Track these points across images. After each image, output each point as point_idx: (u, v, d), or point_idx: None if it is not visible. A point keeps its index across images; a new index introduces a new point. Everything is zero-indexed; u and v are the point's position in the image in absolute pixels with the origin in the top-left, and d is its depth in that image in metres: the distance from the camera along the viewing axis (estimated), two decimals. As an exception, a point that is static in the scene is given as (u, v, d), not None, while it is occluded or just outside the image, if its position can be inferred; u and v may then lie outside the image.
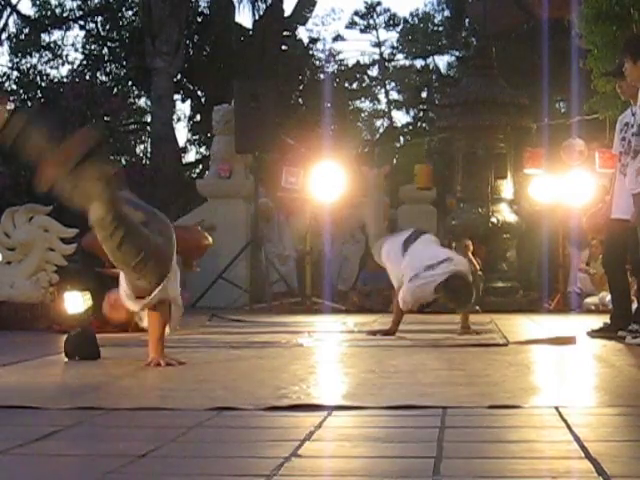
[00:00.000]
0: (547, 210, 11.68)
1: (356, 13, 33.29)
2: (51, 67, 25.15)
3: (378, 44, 33.19)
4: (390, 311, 11.56)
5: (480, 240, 12.57)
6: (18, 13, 22.60)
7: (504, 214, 13.34)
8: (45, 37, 26.01)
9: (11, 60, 24.55)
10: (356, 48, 39.71)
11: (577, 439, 2.89)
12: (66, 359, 5.60)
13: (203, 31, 21.89)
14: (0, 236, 8.80)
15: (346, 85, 26.99)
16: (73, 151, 4.59)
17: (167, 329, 5.31)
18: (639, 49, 6.31)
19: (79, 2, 24.66)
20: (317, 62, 25.26)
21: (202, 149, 23.35)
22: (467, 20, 25.77)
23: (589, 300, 11.10)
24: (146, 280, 4.94)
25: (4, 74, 20.30)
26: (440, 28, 31.23)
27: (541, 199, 11.89)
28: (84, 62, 24.22)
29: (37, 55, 25.92)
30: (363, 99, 31.36)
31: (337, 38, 31.43)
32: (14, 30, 24.76)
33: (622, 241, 6.86)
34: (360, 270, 12.97)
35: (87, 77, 20.79)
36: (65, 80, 18.56)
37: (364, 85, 30.46)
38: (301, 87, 22.24)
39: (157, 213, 5.31)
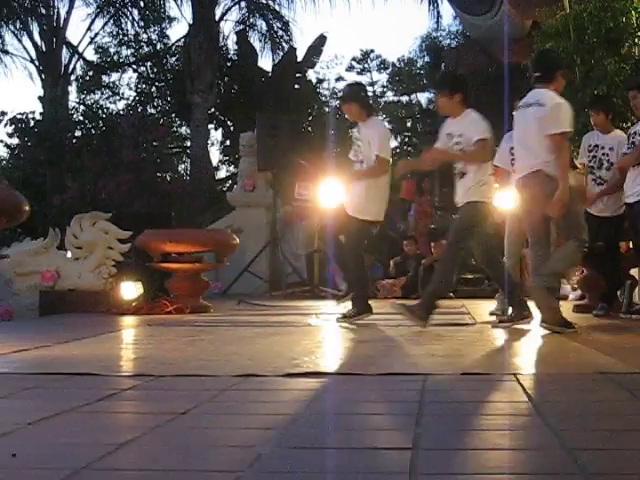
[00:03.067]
0: (509, 217, 11.61)
1: (354, 59, 33.34)
2: (110, 102, 25.23)
3: (372, 83, 33.19)
4: (379, 297, 11.59)
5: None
6: (84, 59, 22.62)
7: (473, 220, 13.33)
8: (105, 78, 26.08)
9: (79, 97, 24.63)
10: (354, 87, 39.71)
11: (531, 400, 2.90)
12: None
13: (232, 74, 21.89)
14: (70, 237, 8.82)
15: (346, 116, 26.98)
16: None
17: None
18: (455, 84, 6.23)
19: (132, 50, 24.70)
20: (323, 98, 25.23)
21: (231, 168, 23.36)
22: (443, 64, 25.71)
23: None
24: None
25: (73, 108, 20.31)
26: (421, 71, 31.20)
27: (504, 208, 11.84)
28: (136, 98, 24.26)
29: (99, 93, 25.98)
30: (360, 128, 31.32)
31: (339, 79, 31.43)
32: (81, 72, 24.85)
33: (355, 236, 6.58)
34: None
35: (139, 110, 20.82)
36: (121, 112, 18.58)
37: (361, 116, 30.39)
38: (310, 118, 22.20)
39: None
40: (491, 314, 6.93)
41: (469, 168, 5.95)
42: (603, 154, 6.99)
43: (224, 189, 20.36)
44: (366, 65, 33.45)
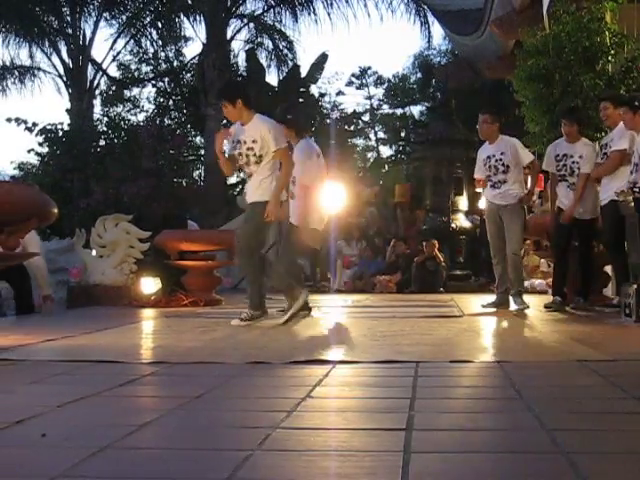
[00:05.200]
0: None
1: (353, 75, 33.29)
2: (131, 114, 25.20)
3: (369, 97, 33.17)
4: (375, 292, 11.59)
5: (443, 240, 12.58)
6: (107, 75, 22.62)
7: (461, 221, 13.35)
8: (127, 92, 26.09)
9: (102, 109, 24.64)
10: (353, 100, 39.81)
11: (513, 385, 2.89)
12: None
13: (242, 88, 21.90)
14: (94, 237, 8.83)
15: (345, 127, 26.93)
16: None
17: None
18: (232, 92, 6.17)
19: (151, 67, 24.73)
20: (324, 111, 25.24)
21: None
22: (434, 80, 25.72)
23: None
24: None
25: (97, 119, 20.30)
26: (414, 86, 31.19)
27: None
28: (155, 111, 24.26)
29: (121, 106, 25.98)
30: (358, 137, 31.26)
31: (339, 93, 31.43)
32: (104, 87, 24.87)
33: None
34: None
35: (157, 122, 20.81)
36: (141, 124, 18.55)
37: (359, 127, 30.35)
38: (313, 129, 22.19)
39: None
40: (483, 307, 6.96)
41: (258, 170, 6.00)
42: (573, 162, 6.94)
43: (235, 193, 20.32)
44: (364, 80, 33.43)
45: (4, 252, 4.58)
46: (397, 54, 69.08)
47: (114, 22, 20.87)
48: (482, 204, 12.25)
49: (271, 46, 21.88)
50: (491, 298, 7.12)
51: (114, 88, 25.40)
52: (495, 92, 14.68)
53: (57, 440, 2.08)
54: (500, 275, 7.00)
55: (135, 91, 26.02)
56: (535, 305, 7.14)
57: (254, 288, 6.16)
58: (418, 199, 14.57)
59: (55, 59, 20.27)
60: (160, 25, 21.40)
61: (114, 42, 20.95)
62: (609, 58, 8.99)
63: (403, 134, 31.09)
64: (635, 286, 5.61)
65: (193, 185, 19.97)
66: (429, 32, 21.14)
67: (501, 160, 6.89)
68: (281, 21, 21.42)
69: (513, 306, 6.84)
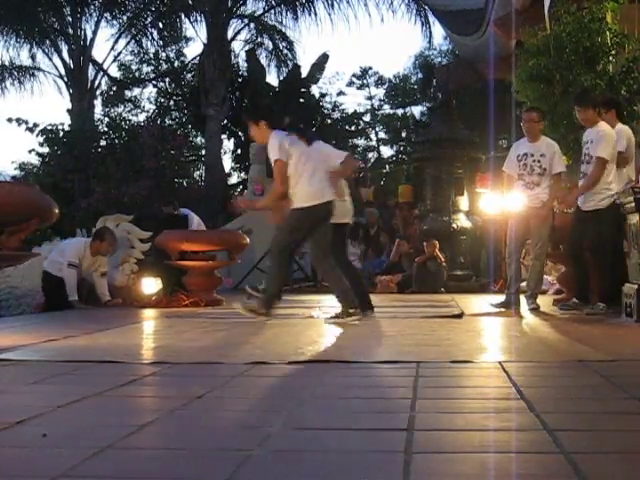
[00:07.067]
0: (493, 218, 11.60)
1: (354, 75, 33.25)
2: (132, 115, 25.22)
3: (370, 97, 33.13)
4: (376, 292, 11.57)
5: (443, 240, 12.56)
6: (108, 75, 22.60)
7: (462, 221, 13.32)
8: (128, 93, 26.11)
9: (103, 110, 24.67)
10: (354, 100, 39.80)
11: (515, 385, 2.89)
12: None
13: (243, 88, 21.84)
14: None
15: (346, 127, 26.88)
16: None
17: None
18: (258, 114, 6.41)
19: (152, 67, 24.75)
20: (325, 111, 25.21)
21: (242, 174, 23.31)
22: (435, 80, 25.70)
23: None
24: None
25: (98, 120, 20.31)
26: (415, 86, 31.18)
27: (489, 210, 11.84)
28: (156, 111, 24.27)
29: (122, 106, 26.01)
30: (359, 137, 31.24)
31: (340, 93, 31.36)
32: (105, 88, 24.89)
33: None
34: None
35: (158, 122, 20.82)
36: (142, 124, 18.55)
37: (360, 127, 30.32)
38: (314, 129, 22.19)
39: None
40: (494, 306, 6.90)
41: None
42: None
43: (235, 193, 20.32)
44: (365, 81, 33.39)
45: (5, 252, 4.58)
46: (398, 54, 69.11)
47: (115, 22, 20.88)
48: (484, 204, 12.28)
49: (271, 46, 21.91)
50: (494, 298, 7.10)
51: (115, 88, 25.42)
52: (496, 92, 14.67)
53: (58, 440, 2.08)
54: (513, 275, 6.96)
55: (136, 91, 26.07)
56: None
57: (338, 288, 6.02)
58: (419, 200, 14.55)
59: (56, 59, 20.27)
60: (161, 25, 21.41)
61: (115, 42, 20.97)
62: (610, 58, 8.99)
63: (404, 134, 31.09)
64: (636, 286, 5.61)
65: (194, 185, 20.01)
66: (430, 32, 21.15)
67: (539, 162, 6.73)
68: (282, 21, 21.44)
69: (524, 306, 6.83)
